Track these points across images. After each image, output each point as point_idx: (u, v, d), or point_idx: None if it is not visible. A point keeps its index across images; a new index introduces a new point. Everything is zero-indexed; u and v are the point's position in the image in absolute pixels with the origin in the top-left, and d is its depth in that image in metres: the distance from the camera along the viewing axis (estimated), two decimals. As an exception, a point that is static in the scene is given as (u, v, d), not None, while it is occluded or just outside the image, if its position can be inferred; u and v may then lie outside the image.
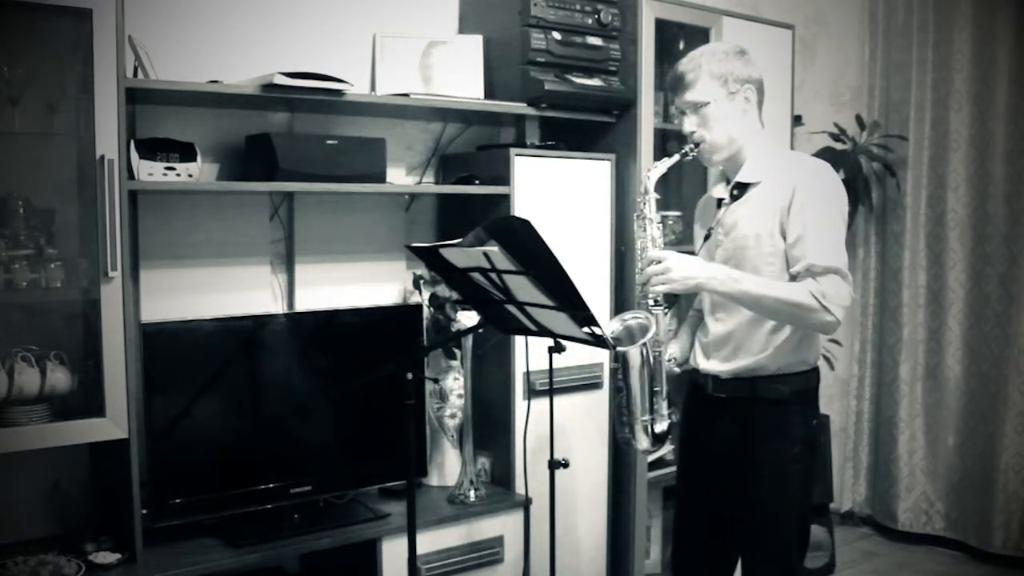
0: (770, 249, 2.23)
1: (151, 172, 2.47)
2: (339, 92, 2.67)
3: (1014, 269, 4.02)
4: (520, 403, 2.99)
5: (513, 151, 2.97)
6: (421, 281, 2.98)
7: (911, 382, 4.34)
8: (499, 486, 3.06)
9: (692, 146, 2.31)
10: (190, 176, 2.55)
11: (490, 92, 3.10)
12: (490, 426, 3.06)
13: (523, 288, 2.15)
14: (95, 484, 2.60)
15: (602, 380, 3.21)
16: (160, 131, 2.61)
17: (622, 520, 3.28)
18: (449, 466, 3.07)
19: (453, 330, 2.86)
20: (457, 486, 2.95)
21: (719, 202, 2.37)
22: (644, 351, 2.25)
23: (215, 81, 2.58)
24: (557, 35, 3.03)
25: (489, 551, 2.89)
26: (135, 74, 2.47)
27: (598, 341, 2.20)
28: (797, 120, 4.01)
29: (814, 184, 2.22)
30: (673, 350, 2.43)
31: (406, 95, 2.87)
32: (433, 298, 2.92)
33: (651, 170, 2.33)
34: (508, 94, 3.04)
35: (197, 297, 2.74)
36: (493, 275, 2.17)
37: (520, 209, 2.96)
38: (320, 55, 2.92)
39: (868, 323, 4.50)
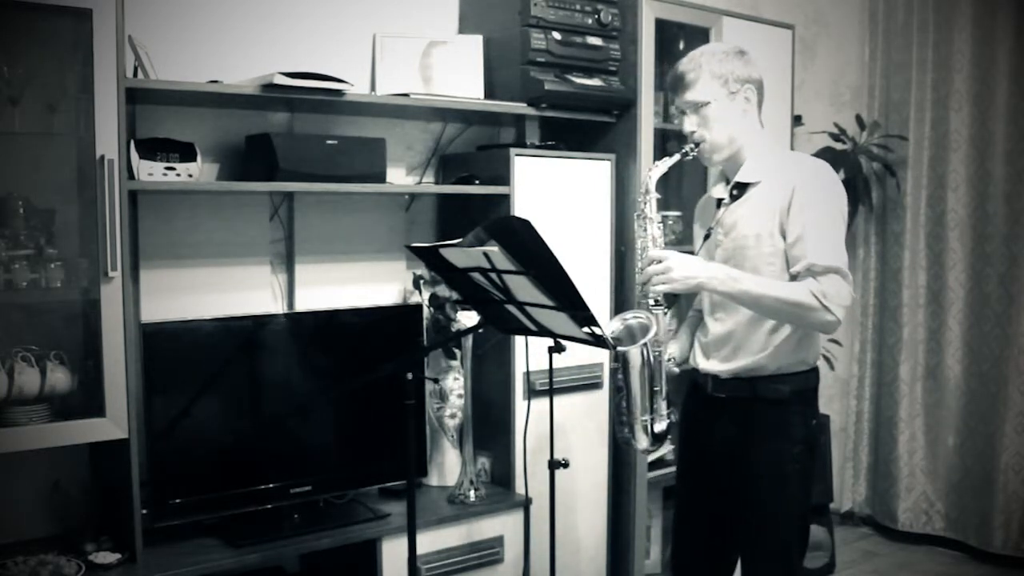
0: (770, 249, 2.23)
1: (151, 172, 2.47)
2: (339, 92, 2.67)
3: (1014, 269, 4.02)
4: (520, 403, 2.99)
5: (513, 151, 2.97)
6: (421, 281, 2.98)
7: (911, 382, 4.34)
8: (499, 486, 3.06)
9: (692, 146, 2.31)
10: (190, 176, 2.55)
11: (490, 92, 3.10)
12: (490, 426, 3.06)
13: (523, 288, 2.15)
14: (95, 484, 2.60)
15: (602, 380, 3.21)
16: (160, 131, 2.61)
17: (622, 520, 3.28)
18: (449, 466, 3.07)
19: (453, 330, 2.86)
20: (457, 486, 2.95)
21: (719, 202, 2.37)
22: (644, 351, 2.25)
23: (215, 81, 2.58)
24: (557, 35, 3.03)
25: (489, 551, 2.89)
26: (135, 74, 2.47)
27: (598, 341, 2.20)
28: (797, 120, 4.01)
29: (814, 184, 2.22)
30: (672, 350, 2.43)
31: (406, 95, 2.87)
32: (433, 298, 2.92)
33: (652, 169, 2.33)
34: (508, 94, 3.04)
35: (197, 297, 2.74)
36: (493, 275, 2.17)
37: (520, 209, 2.96)
38: (320, 55, 2.92)
39: (868, 323, 4.50)
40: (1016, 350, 4.00)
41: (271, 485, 2.67)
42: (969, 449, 4.17)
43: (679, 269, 2.18)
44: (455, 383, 2.97)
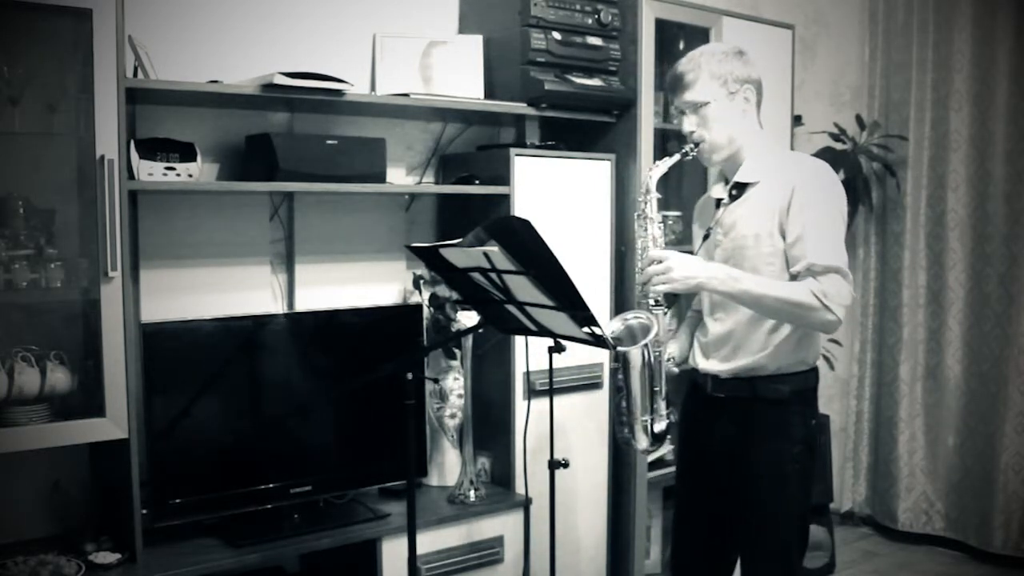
0: (769, 249, 2.23)
1: (151, 172, 2.47)
2: (339, 92, 2.67)
3: (1014, 269, 4.02)
4: (520, 403, 2.99)
5: (513, 151, 2.97)
6: (421, 281, 2.98)
7: (911, 382, 4.34)
8: (499, 486, 3.06)
9: (692, 146, 2.31)
10: (190, 176, 2.55)
11: (490, 92, 3.10)
12: (490, 426, 3.06)
13: (523, 288, 2.15)
14: (95, 484, 2.60)
15: (602, 380, 3.21)
16: (160, 131, 2.61)
17: (622, 520, 3.28)
18: (449, 466, 3.07)
19: (453, 330, 2.86)
20: (457, 486, 2.95)
21: (718, 202, 2.37)
22: (645, 351, 2.25)
23: (215, 81, 2.58)
24: (557, 35, 3.03)
25: (489, 551, 2.89)
26: (135, 74, 2.47)
27: (598, 341, 2.20)
28: (797, 120, 4.01)
29: (813, 184, 2.22)
30: (672, 350, 2.43)
31: (406, 95, 2.87)
32: (433, 298, 2.92)
33: (652, 169, 2.33)
34: (508, 94, 3.04)
35: (197, 297, 2.74)
36: (493, 275, 2.17)
37: (520, 209, 2.96)
38: (320, 55, 2.92)
39: (868, 323, 4.50)
40: (1016, 350, 4.00)
41: (271, 485, 2.67)
42: (969, 449, 4.17)
43: (679, 269, 2.18)
44: (455, 383, 2.97)
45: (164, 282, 2.70)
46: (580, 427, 3.16)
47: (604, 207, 3.19)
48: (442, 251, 2.24)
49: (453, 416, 2.97)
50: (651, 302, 2.28)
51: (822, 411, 2.55)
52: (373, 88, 3.04)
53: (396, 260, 3.14)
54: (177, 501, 2.51)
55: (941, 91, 4.21)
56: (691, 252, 2.40)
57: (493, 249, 2.08)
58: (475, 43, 3.12)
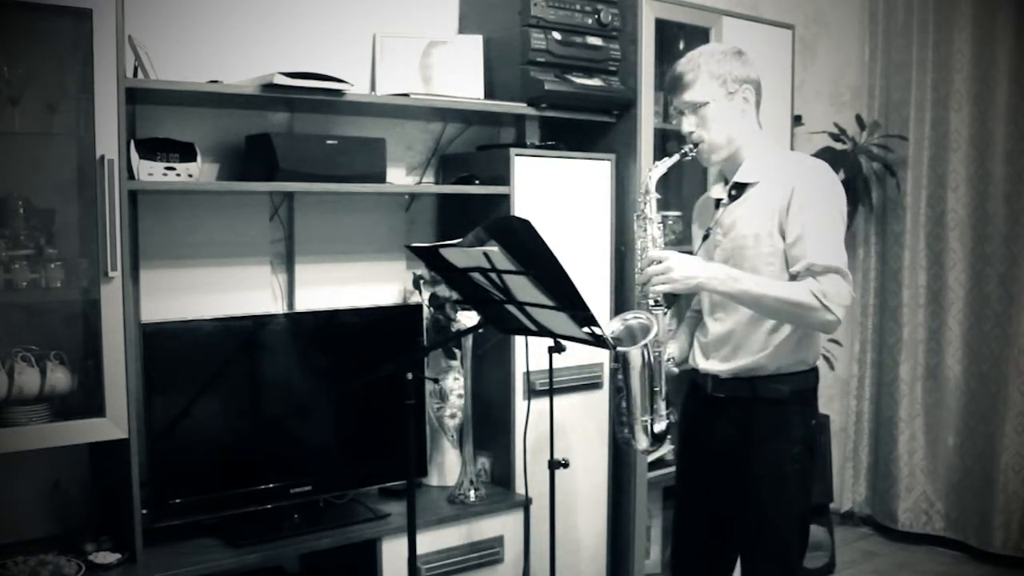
0: (769, 249, 2.23)
1: (151, 172, 2.47)
2: (339, 92, 2.67)
3: (1014, 269, 4.02)
4: (520, 403, 2.99)
5: (513, 151, 2.97)
6: (421, 281, 2.98)
7: (911, 382, 4.34)
8: (499, 486, 3.06)
9: (691, 146, 2.31)
10: (190, 176, 2.55)
11: (490, 92, 3.10)
12: (490, 426, 3.06)
13: (523, 288, 2.15)
14: (95, 484, 2.60)
15: (602, 380, 3.21)
16: (160, 131, 2.61)
17: (622, 520, 3.28)
18: (449, 466, 3.07)
19: (453, 330, 2.86)
20: (457, 486, 2.95)
21: (717, 202, 2.37)
22: (645, 352, 2.26)
23: (215, 81, 2.58)
24: (557, 35, 3.03)
25: (489, 551, 2.89)
26: (135, 74, 2.47)
27: (598, 341, 2.20)
28: (797, 120, 4.01)
29: (813, 184, 2.22)
30: (672, 350, 2.43)
31: (406, 95, 2.87)
32: (433, 298, 2.92)
33: (652, 170, 2.33)
34: (508, 94, 3.04)
35: (197, 297, 2.74)
36: (493, 275, 2.17)
37: (520, 209, 2.96)
38: (320, 55, 2.92)
39: (868, 323, 4.50)
40: (1016, 350, 4.00)
41: (271, 485, 2.67)
42: (969, 449, 4.16)
43: (679, 269, 2.18)
44: (455, 383, 2.97)
45: (164, 282, 2.70)
46: (580, 427, 3.16)
47: (604, 207, 3.19)
48: (442, 251, 2.24)
49: (453, 416, 2.97)
50: (651, 302, 2.29)
51: (822, 411, 2.55)
52: (373, 88, 3.04)
53: (396, 260, 3.14)
54: (177, 501, 2.51)
55: (941, 91, 4.21)
56: (691, 252, 2.40)
57: (493, 249, 2.08)
58: (475, 43, 3.12)
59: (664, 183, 2.77)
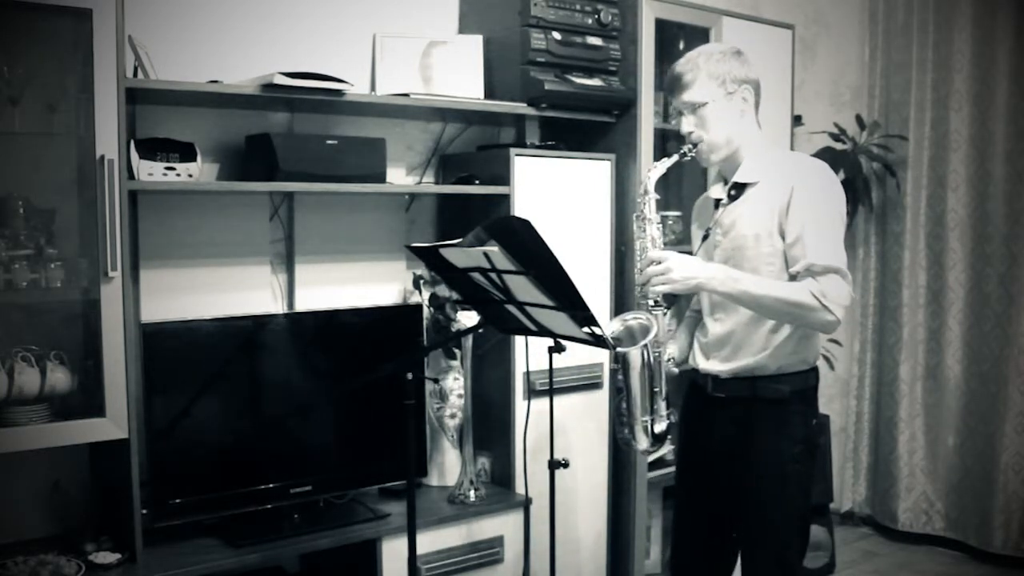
0: (768, 249, 2.23)
1: (151, 172, 2.47)
2: (339, 92, 2.67)
3: (1014, 269, 4.02)
4: (520, 403, 2.99)
5: (513, 151, 2.97)
6: (421, 281, 2.98)
7: (911, 382, 4.34)
8: (499, 486, 3.06)
9: (690, 146, 2.31)
10: (190, 176, 2.55)
11: (490, 92, 3.10)
12: (490, 426, 3.06)
13: (523, 288, 2.15)
14: (95, 484, 2.60)
15: (602, 380, 3.21)
16: (160, 131, 2.61)
17: (622, 520, 3.28)
18: (449, 466, 3.07)
19: (453, 330, 2.86)
20: (457, 486, 2.95)
21: (716, 202, 2.37)
22: (645, 352, 2.26)
23: (215, 81, 2.58)
24: (557, 35, 3.03)
25: (489, 551, 2.89)
26: (135, 74, 2.47)
27: (598, 341, 2.20)
28: (797, 120, 4.01)
29: (812, 184, 2.22)
30: (671, 350, 2.42)
31: (406, 95, 2.87)
32: (433, 298, 2.92)
33: (651, 171, 2.33)
34: (508, 94, 3.04)
35: (197, 297, 2.74)
36: (493, 275, 2.17)
37: (520, 209, 2.96)
38: (320, 55, 2.92)
39: (868, 323, 4.50)
40: (1016, 350, 4.00)
41: (271, 485, 2.67)
42: (969, 449, 4.17)
43: (679, 270, 2.18)
44: (455, 383, 2.97)
45: (164, 282, 2.70)
46: (580, 427, 3.16)
47: (604, 207, 3.19)
48: (442, 251, 2.24)
49: (453, 416, 2.97)
50: (650, 303, 2.29)
51: (822, 411, 2.55)
52: (373, 88, 3.04)
53: (396, 260, 3.14)
54: (177, 501, 2.51)
55: (941, 91, 4.21)
56: (690, 252, 2.40)
57: (493, 249, 2.08)
58: (475, 43, 3.12)
59: (664, 183, 2.77)
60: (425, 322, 2.96)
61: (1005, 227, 4.04)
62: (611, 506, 3.26)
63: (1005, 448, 4.02)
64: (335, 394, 2.78)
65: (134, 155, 2.43)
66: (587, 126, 3.25)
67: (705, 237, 2.38)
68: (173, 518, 2.50)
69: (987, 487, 4.08)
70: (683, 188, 3.55)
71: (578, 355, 2.98)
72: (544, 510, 2.83)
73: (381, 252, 3.11)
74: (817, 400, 2.39)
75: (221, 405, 2.61)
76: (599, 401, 3.21)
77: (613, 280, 3.21)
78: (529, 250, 2.03)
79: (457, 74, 3.07)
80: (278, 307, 2.93)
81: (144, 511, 2.42)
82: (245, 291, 2.85)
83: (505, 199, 2.96)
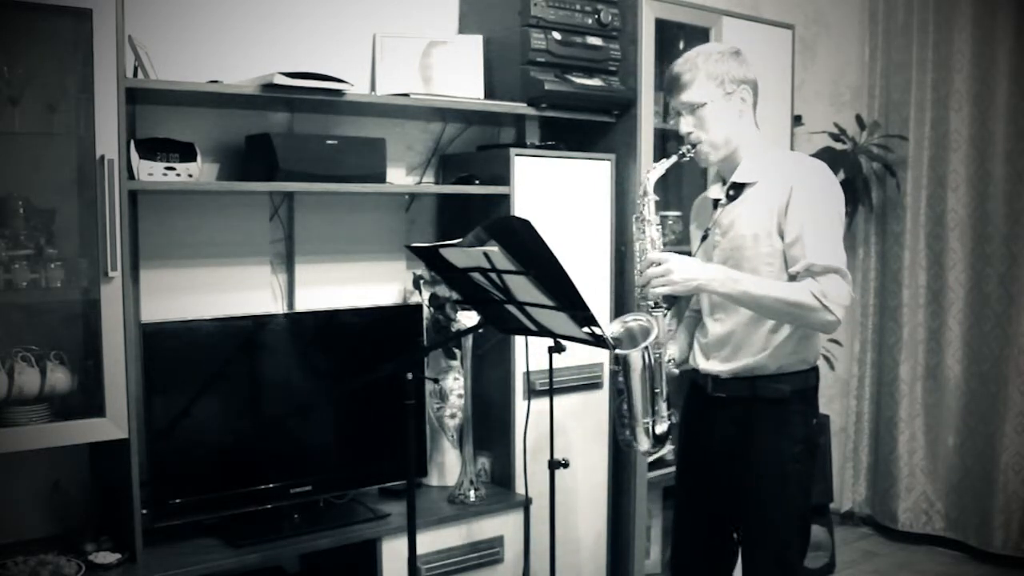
0: (768, 249, 2.23)
1: (151, 172, 2.47)
2: (339, 92, 2.67)
3: (1014, 269, 4.02)
4: (520, 403, 2.99)
5: (513, 151, 2.97)
6: (421, 281, 2.98)
7: (911, 382, 4.34)
8: (499, 486, 3.06)
9: (689, 147, 2.31)
10: (190, 176, 2.55)
11: (490, 92, 3.10)
12: (490, 426, 3.06)
13: (523, 288, 2.15)
14: (95, 484, 2.60)
15: (602, 380, 3.21)
16: (160, 131, 2.61)
17: (622, 520, 3.28)
18: (449, 466, 3.07)
19: (453, 330, 2.86)
20: (457, 486, 2.95)
21: (715, 202, 2.37)
22: (646, 354, 2.26)
23: (215, 81, 2.58)
24: (557, 35, 3.03)
25: (489, 551, 2.89)
26: (135, 74, 2.47)
27: (598, 341, 2.20)
28: (797, 120, 4.01)
29: (811, 184, 2.22)
30: (671, 351, 2.42)
31: (406, 95, 2.87)
32: (433, 298, 2.92)
33: (650, 172, 2.33)
34: (508, 94, 3.04)
35: (197, 297, 2.74)
36: (493, 275, 2.17)
37: (520, 209, 2.96)
38: (320, 55, 2.92)
39: (868, 323, 4.50)
40: (1016, 350, 4.00)
41: (271, 485, 2.67)
42: (969, 449, 4.16)
43: (679, 271, 2.18)
44: (455, 383, 2.97)
45: (164, 282, 2.70)
46: (580, 427, 3.16)
47: (604, 207, 3.19)
48: (442, 251, 2.24)
49: (453, 416, 2.97)
50: (650, 304, 2.29)
51: (822, 411, 2.55)
52: (373, 88, 3.04)
53: (396, 260, 3.14)
54: (177, 501, 2.51)
55: (941, 91, 4.21)
56: (689, 253, 2.40)
57: (493, 249, 2.08)
58: (475, 43, 3.12)
59: (664, 183, 2.78)
60: (425, 322, 2.96)
61: (1005, 227, 4.04)
62: (611, 506, 3.26)
63: (1005, 448, 4.02)
64: (335, 394, 2.78)
65: (134, 155, 2.43)
66: (587, 126, 3.25)
67: (704, 238, 2.38)
68: (173, 518, 2.50)
69: (987, 487, 4.08)
70: (683, 188, 3.55)
71: (578, 355, 2.98)
72: (544, 510, 2.83)
73: (381, 252, 3.11)
74: (817, 400, 2.39)
75: (221, 405, 2.61)
76: (599, 401, 3.21)
77: (613, 280, 3.21)
78: (529, 250, 2.03)
79: (457, 74, 3.07)
80: (278, 307, 2.93)
81: (144, 511, 2.42)
82: (245, 291, 2.85)
83: (505, 199, 2.96)
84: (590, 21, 3.11)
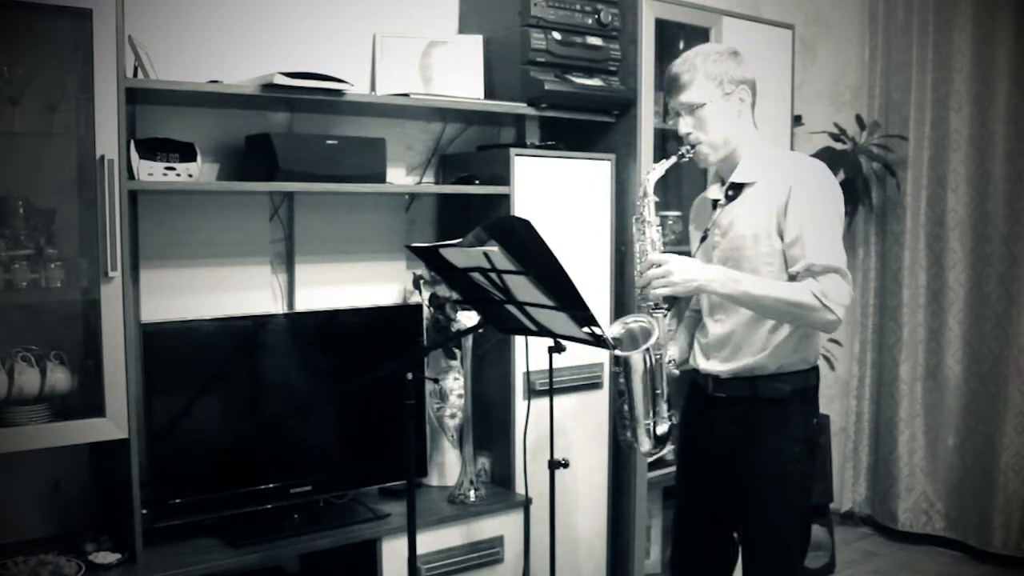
0: (767, 249, 2.23)
1: (151, 172, 2.47)
2: (339, 92, 2.67)
3: (1014, 269, 4.03)
4: (520, 403, 2.99)
5: (513, 151, 2.97)
6: (421, 281, 2.98)
7: (911, 382, 4.34)
8: (499, 486, 3.06)
9: (688, 147, 2.31)
10: (190, 176, 2.55)
11: (490, 92, 3.10)
12: (490, 426, 3.06)
13: (523, 288, 2.15)
14: (95, 484, 2.60)
15: (602, 380, 3.21)
16: (160, 131, 2.61)
17: (622, 520, 3.28)
18: (449, 466, 3.07)
19: (453, 330, 2.86)
20: (457, 486, 2.95)
21: (714, 203, 2.37)
22: (647, 355, 2.26)
23: (215, 81, 2.58)
24: (557, 35, 3.03)
25: (489, 551, 2.89)
26: (135, 74, 2.47)
27: (598, 341, 2.20)
28: (797, 120, 4.01)
29: (810, 183, 2.22)
30: (672, 351, 2.42)
31: (406, 95, 2.87)
32: (433, 298, 2.92)
33: (649, 173, 2.33)
34: (508, 94, 3.04)
35: (197, 297, 2.74)
36: (493, 275, 2.17)
37: (520, 209, 2.96)
38: (320, 55, 2.92)
39: (868, 323, 4.50)
40: (1016, 350, 4.00)
41: (271, 485, 2.67)
42: (969, 449, 4.17)
43: (679, 272, 2.18)
44: (455, 383, 2.97)
45: (164, 282, 2.70)
46: (580, 427, 3.16)
47: (604, 207, 3.19)
48: (442, 251, 2.24)
49: (453, 416, 2.97)
50: (651, 305, 2.29)
51: (822, 411, 2.55)
52: (373, 88, 3.04)
53: (396, 260, 3.14)
54: (177, 501, 2.51)
55: (941, 91, 4.21)
56: (689, 253, 2.40)
57: (493, 249, 2.08)
58: (475, 43, 3.12)
59: (664, 183, 2.77)
60: (425, 322, 2.96)
61: (1005, 227, 4.04)
62: (611, 506, 3.26)
63: (1005, 448, 4.02)
64: (335, 394, 2.78)
65: (134, 155, 2.43)
66: (587, 126, 3.25)
67: (703, 238, 2.38)
68: (173, 518, 2.50)
69: (987, 487, 4.08)
70: (683, 188, 3.54)
71: (578, 355, 2.98)
72: (544, 510, 2.83)
73: (381, 252, 3.11)
74: (818, 399, 2.39)
75: (221, 405, 2.61)
76: (599, 401, 3.21)
77: (613, 280, 3.21)
78: (529, 250, 2.03)
79: (457, 74, 3.07)
80: (278, 307, 2.93)
81: (144, 511, 2.42)
82: (245, 291, 2.85)
83: (505, 199, 2.95)
84: (590, 21, 3.11)
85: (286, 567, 2.80)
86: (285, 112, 2.89)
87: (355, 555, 2.67)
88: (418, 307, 2.96)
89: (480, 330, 2.63)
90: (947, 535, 4.25)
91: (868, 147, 4.35)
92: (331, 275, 3.01)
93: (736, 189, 2.30)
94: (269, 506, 2.67)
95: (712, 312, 2.38)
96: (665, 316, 2.31)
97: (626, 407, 2.31)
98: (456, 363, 2.99)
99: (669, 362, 2.36)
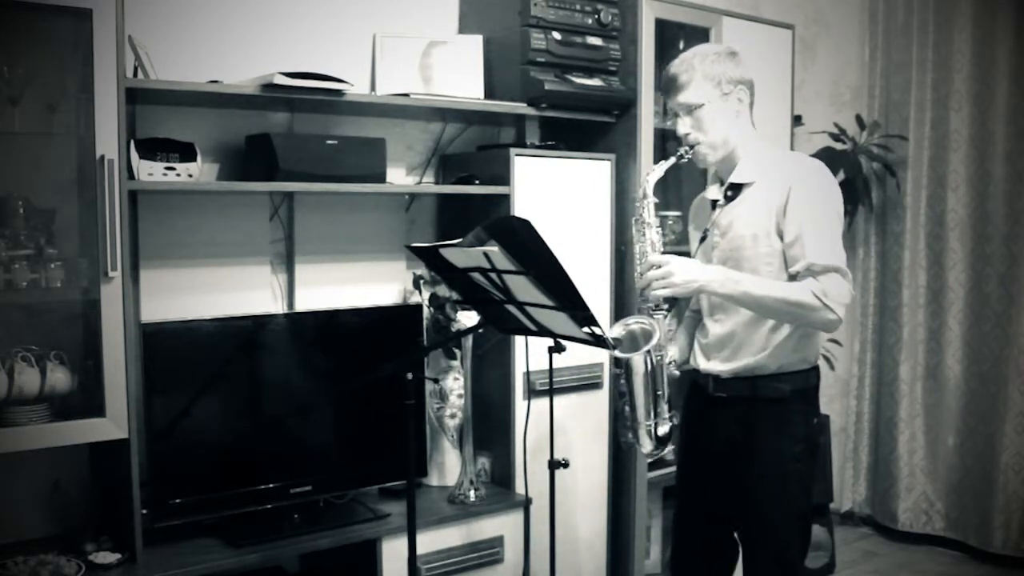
0: (767, 249, 2.23)
1: (151, 172, 2.47)
2: (339, 92, 2.67)
3: (1014, 269, 4.03)
4: (520, 403, 2.99)
5: (513, 151, 2.97)
6: (421, 281, 2.98)
7: (911, 382, 4.34)
8: (499, 486, 3.06)
9: (687, 148, 2.31)
10: (190, 176, 2.55)
11: (490, 92, 3.10)
12: (490, 426, 3.06)
13: (523, 288, 2.15)
14: (95, 484, 2.60)
15: (602, 380, 3.21)
16: (160, 131, 2.61)
17: (622, 520, 3.28)
18: (449, 466, 3.07)
19: (453, 330, 2.86)
20: (457, 486, 2.95)
21: (713, 203, 2.37)
22: (647, 357, 2.26)
23: (215, 81, 2.58)
24: (557, 35, 3.03)
25: (489, 551, 2.89)
26: (135, 74, 2.47)
27: (598, 341, 2.20)
28: (797, 120, 4.01)
29: (809, 183, 2.22)
30: (672, 352, 2.42)
31: (406, 95, 2.87)
32: (433, 298, 2.92)
33: (649, 174, 2.34)
34: (508, 94, 3.04)
35: (197, 297, 2.74)
36: (493, 275, 2.17)
37: (520, 209, 2.96)
38: (320, 55, 2.92)
39: (868, 323, 4.50)
40: (1016, 350, 4.00)
41: (271, 485, 2.67)
42: (969, 449, 4.17)
43: (680, 273, 2.18)
44: (455, 383, 2.97)
45: (164, 282, 2.70)
46: (580, 427, 3.16)
47: (604, 207, 3.19)
48: (442, 251, 2.25)
49: (453, 416, 2.97)
50: (651, 306, 2.29)
51: (822, 411, 2.56)
52: (373, 88, 3.04)
53: (396, 260, 3.14)
54: (177, 501, 2.51)
55: (941, 91, 4.21)
56: (689, 254, 2.40)
57: (493, 249, 2.08)
58: (475, 43, 3.12)
59: (664, 183, 2.77)
60: (425, 322, 2.96)
61: (1005, 227, 4.04)
62: (611, 506, 3.26)
63: (1005, 448, 4.02)
64: (335, 394, 2.78)
65: (134, 155, 2.43)
66: (587, 126, 3.25)
67: (703, 239, 2.38)
68: (173, 518, 2.50)
69: (987, 487, 4.08)
70: (683, 188, 3.54)
71: (578, 355, 2.98)
72: (544, 510, 2.83)
73: (381, 252, 3.11)
74: (818, 399, 2.39)
75: (221, 405, 2.61)
76: (599, 401, 3.21)
77: (613, 280, 3.21)
78: (529, 250, 2.03)
79: (457, 74, 3.07)
80: (278, 307, 2.93)
81: (144, 511, 2.42)
82: (245, 291, 2.85)
83: (505, 199, 2.95)
84: (590, 21, 3.11)
85: (286, 567, 2.80)
86: (285, 112, 2.89)
87: (355, 555, 2.67)
88: (418, 307, 2.96)
89: (480, 330, 2.63)
90: (947, 535, 4.25)
91: (868, 147, 4.35)
92: (331, 275, 3.01)
93: (735, 189, 2.30)
94: (269, 506, 2.67)
95: (712, 312, 2.38)
96: (665, 317, 2.31)
97: (627, 408, 2.31)
98: (456, 363, 2.99)
99: (670, 363, 2.36)
